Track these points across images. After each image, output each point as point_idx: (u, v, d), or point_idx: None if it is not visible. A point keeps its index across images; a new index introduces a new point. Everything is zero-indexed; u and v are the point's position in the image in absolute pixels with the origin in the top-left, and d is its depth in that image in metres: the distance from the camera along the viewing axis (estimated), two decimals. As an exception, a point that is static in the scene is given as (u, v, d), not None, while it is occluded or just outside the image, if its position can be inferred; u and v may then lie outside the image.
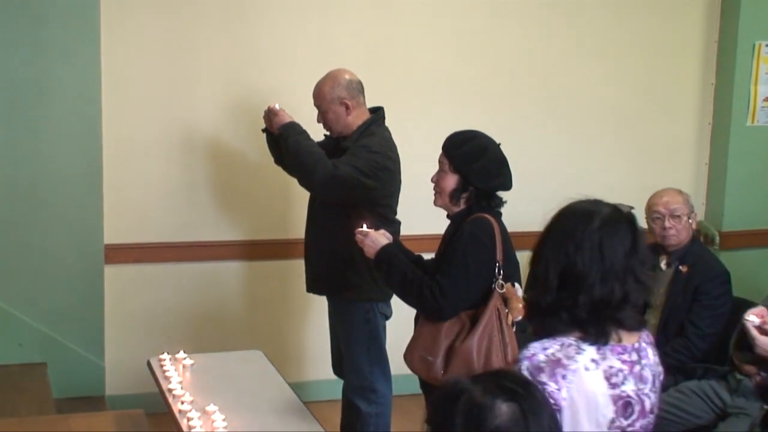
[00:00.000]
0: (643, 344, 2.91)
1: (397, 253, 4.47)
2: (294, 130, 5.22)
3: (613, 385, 2.79)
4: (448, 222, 4.48)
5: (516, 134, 6.74)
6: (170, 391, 4.47)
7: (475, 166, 4.36)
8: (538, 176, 6.78)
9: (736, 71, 7.17)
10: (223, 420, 4.11)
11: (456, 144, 4.45)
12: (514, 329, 4.24)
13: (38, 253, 5.93)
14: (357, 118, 5.24)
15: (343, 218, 5.03)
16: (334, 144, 5.34)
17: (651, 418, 2.89)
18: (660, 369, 2.96)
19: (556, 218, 2.98)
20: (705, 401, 5.18)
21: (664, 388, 5.19)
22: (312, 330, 6.42)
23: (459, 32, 6.71)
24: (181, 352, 4.92)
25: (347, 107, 5.22)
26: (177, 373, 4.68)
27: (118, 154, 6.09)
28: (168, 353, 4.89)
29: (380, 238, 4.49)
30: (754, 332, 3.77)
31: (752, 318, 3.83)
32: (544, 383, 2.72)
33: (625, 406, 2.81)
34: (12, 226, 5.87)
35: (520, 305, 4.18)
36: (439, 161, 4.47)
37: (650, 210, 5.54)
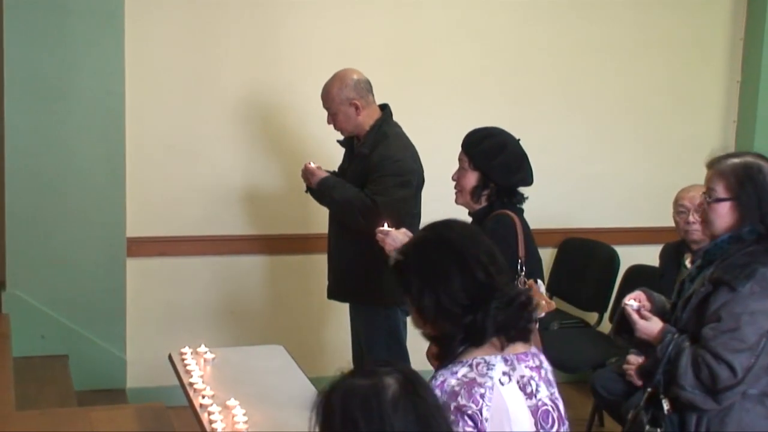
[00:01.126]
0: (535, 349, 2.86)
1: None
2: (328, 185, 5.25)
3: (530, 395, 2.72)
4: (468, 219, 4.46)
5: (538, 131, 6.72)
6: (191, 384, 4.47)
7: (495, 163, 4.35)
8: (561, 173, 6.76)
9: (762, 68, 7.12)
10: (244, 414, 4.10)
11: (475, 141, 4.44)
12: (536, 326, 4.22)
13: (61, 245, 5.95)
14: (368, 118, 5.25)
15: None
16: (350, 146, 5.36)
17: (567, 425, 2.82)
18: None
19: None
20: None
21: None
22: (333, 324, 6.41)
23: (481, 28, 6.69)
24: (203, 345, 4.91)
25: (357, 107, 5.21)
26: (198, 367, 4.68)
27: (140, 147, 6.10)
28: (189, 347, 4.88)
29: (400, 236, 4.47)
30: (635, 316, 3.74)
31: (631, 302, 3.82)
32: (463, 406, 2.62)
33: (544, 416, 2.73)
34: (35, 218, 5.89)
35: (543, 302, 4.16)
36: (459, 159, 4.46)
37: (676, 204, 5.51)
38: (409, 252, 2.87)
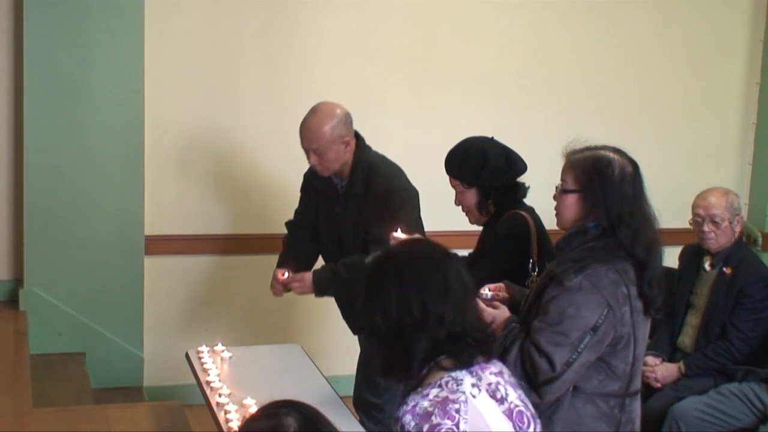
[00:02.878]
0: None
1: None
2: (322, 283, 5.01)
3: (500, 400, 2.66)
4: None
5: (558, 132, 6.61)
6: (208, 383, 4.48)
7: (486, 173, 4.34)
8: (580, 174, 6.74)
9: (782, 70, 7.11)
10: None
11: (457, 163, 4.46)
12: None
13: (79, 243, 5.96)
14: (351, 153, 4.99)
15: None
16: (329, 186, 5.11)
17: (540, 423, 2.76)
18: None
19: None
20: (745, 404, 5.14)
21: (705, 390, 5.20)
22: (350, 324, 6.41)
23: (502, 29, 6.69)
24: (219, 344, 4.92)
25: (347, 144, 4.94)
26: (215, 366, 4.68)
27: (160, 145, 6.11)
28: (206, 345, 4.89)
29: None
30: (482, 305, 3.65)
31: (486, 292, 3.82)
32: (437, 425, 2.57)
33: (519, 417, 2.68)
34: (53, 216, 5.90)
35: None
36: (452, 185, 4.45)
37: (693, 210, 5.48)
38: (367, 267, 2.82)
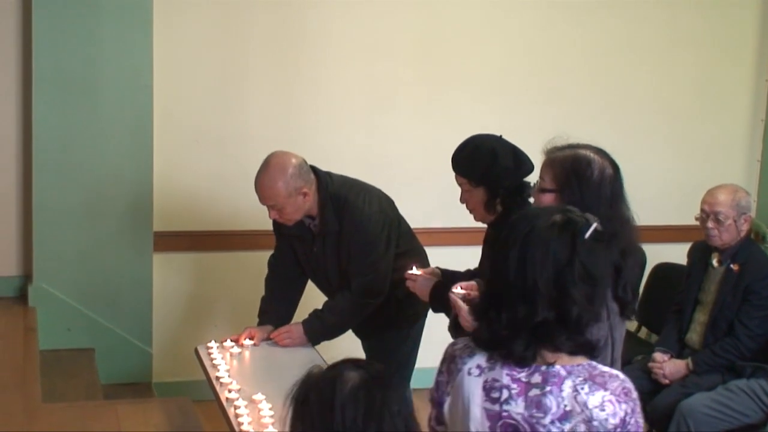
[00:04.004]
0: (566, 372, 2.56)
1: (447, 285, 4.36)
2: (314, 333, 5.02)
3: (493, 400, 2.57)
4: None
5: (567, 130, 6.63)
6: (217, 379, 4.48)
7: (494, 172, 4.29)
8: (589, 171, 6.73)
9: (791, 67, 7.10)
10: (270, 409, 4.11)
11: (465, 161, 4.38)
12: None
13: (88, 239, 5.97)
14: (314, 197, 4.87)
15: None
16: (302, 229, 5.02)
17: None
18: (603, 416, 2.51)
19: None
20: (753, 400, 5.15)
21: (713, 386, 5.21)
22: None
23: (511, 27, 6.68)
24: (229, 340, 4.93)
25: (305, 195, 4.79)
26: (224, 362, 4.69)
27: (168, 141, 6.12)
28: (215, 341, 4.90)
29: (427, 281, 4.40)
30: (460, 302, 3.70)
31: (458, 290, 3.80)
32: (441, 371, 2.69)
33: (505, 429, 2.56)
34: (62, 212, 5.91)
35: None
36: (458, 183, 4.41)
37: (701, 205, 5.48)
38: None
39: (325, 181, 4.90)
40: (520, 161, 4.38)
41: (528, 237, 2.55)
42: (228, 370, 4.57)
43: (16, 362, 5.37)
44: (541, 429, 2.52)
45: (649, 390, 5.34)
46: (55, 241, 5.94)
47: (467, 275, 4.47)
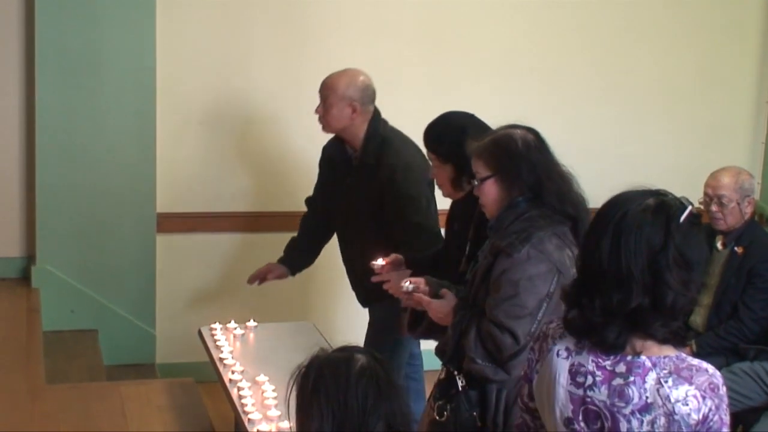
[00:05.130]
0: (651, 363, 2.51)
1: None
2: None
3: (578, 384, 2.56)
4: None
5: (570, 112, 6.71)
6: (221, 360, 4.50)
7: (463, 149, 4.29)
8: (593, 155, 6.72)
9: (795, 50, 7.08)
10: (273, 390, 4.13)
11: (435, 136, 4.40)
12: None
13: (91, 221, 5.98)
14: (362, 125, 5.02)
15: (382, 231, 4.97)
16: (340, 156, 5.16)
17: None
18: (685, 411, 2.46)
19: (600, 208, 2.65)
20: (757, 383, 5.14)
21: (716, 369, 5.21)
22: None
23: (513, 8, 6.65)
24: (232, 321, 4.94)
25: (354, 110, 4.99)
26: (228, 343, 4.71)
27: (171, 123, 6.11)
28: (219, 323, 4.91)
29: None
30: (426, 298, 3.77)
31: (407, 284, 3.86)
32: (532, 349, 2.72)
33: (587, 414, 2.54)
34: (65, 193, 5.92)
35: None
36: (429, 158, 4.45)
37: (704, 189, 5.47)
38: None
39: (378, 120, 5.06)
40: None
41: (621, 222, 2.51)
42: (231, 352, 4.59)
43: (19, 343, 5.39)
44: (622, 418, 2.50)
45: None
46: (58, 222, 5.95)
47: (430, 260, 4.55)
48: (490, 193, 3.68)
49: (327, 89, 5.03)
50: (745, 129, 7.26)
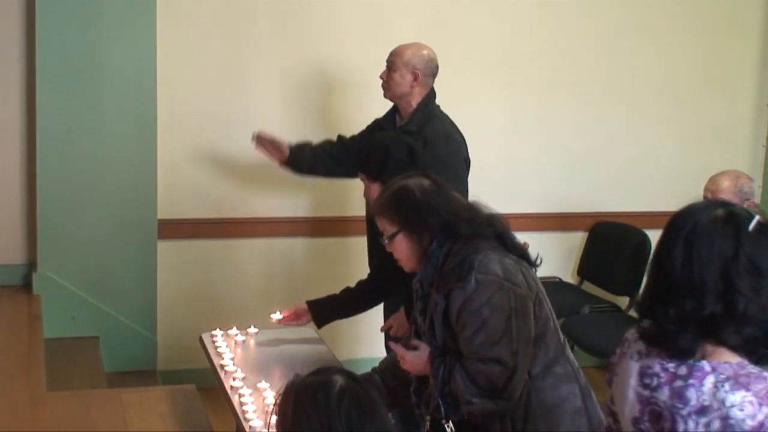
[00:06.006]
0: (710, 368, 2.52)
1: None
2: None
3: (645, 386, 2.62)
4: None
5: (572, 114, 6.70)
6: (222, 367, 4.48)
7: (388, 167, 4.39)
8: (592, 157, 6.73)
9: (796, 52, 7.07)
10: (275, 397, 4.11)
11: (361, 160, 4.55)
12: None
13: (92, 227, 5.97)
14: (418, 95, 5.26)
15: None
16: (390, 121, 5.31)
17: None
18: (740, 416, 2.46)
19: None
20: (761, 387, 5.12)
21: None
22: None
23: (515, 9, 6.66)
24: (234, 328, 4.93)
25: (416, 78, 5.24)
26: (229, 349, 4.69)
27: (172, 128, 6.10)
28: (220, 329, 4.90)
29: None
30: (402, 350, 3.77)
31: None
32: (615, 352, 2.78)
33: (653, 414, 2.59)
34: (66, 199, 5.92)
35: None
36: (359, 179, 4.57)
37: (703, 192, 5.45)
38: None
39: (433, 97, 5.33)
40: (413, 156, 4.44)
41: (692, 233, 2.57)
42: (232, 358, 4.57)
43: (20, 350, 5.37)
44: (680, 419, 2.53)
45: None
46: (59, 229, 5.94)
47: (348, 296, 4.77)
48: (402, 248, 3.71)
49: (393, 55, 5.32)
50: (745, 132, 7.26)
